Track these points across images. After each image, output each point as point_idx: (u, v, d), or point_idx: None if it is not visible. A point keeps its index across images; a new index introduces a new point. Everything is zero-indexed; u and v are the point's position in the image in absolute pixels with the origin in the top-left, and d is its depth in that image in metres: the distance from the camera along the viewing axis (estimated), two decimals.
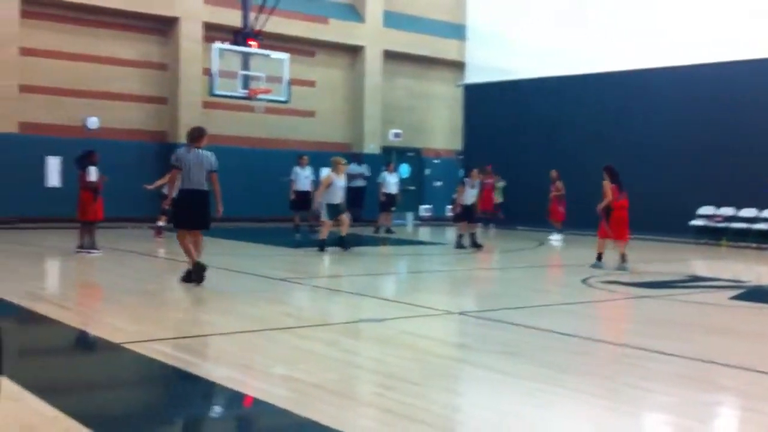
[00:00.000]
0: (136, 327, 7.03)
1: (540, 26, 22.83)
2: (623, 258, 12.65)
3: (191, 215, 9.73)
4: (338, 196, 14.56)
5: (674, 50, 19.60)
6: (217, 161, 9.84)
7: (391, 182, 20.23)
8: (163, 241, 15.74)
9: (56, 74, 19.71)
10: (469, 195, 16.04)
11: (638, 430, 4.69)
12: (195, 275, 9.54)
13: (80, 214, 13.23)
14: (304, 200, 18.95)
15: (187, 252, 9.69)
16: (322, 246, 14.21)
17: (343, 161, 15.17)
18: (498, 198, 22.79)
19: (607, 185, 12.65)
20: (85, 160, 13.22)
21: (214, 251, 14.65)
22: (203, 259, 9.75)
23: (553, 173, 19.68)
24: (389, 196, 20.16)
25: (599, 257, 12.83)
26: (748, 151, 18.35)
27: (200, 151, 9.72)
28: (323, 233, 14.43)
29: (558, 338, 6.99)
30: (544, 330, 7.29)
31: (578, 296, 9.90)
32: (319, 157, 21.82)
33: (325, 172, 22.07)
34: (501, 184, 22.76)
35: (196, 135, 9.81)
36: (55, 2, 19.43)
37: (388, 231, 19.91)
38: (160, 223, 16.41)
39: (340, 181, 14.68)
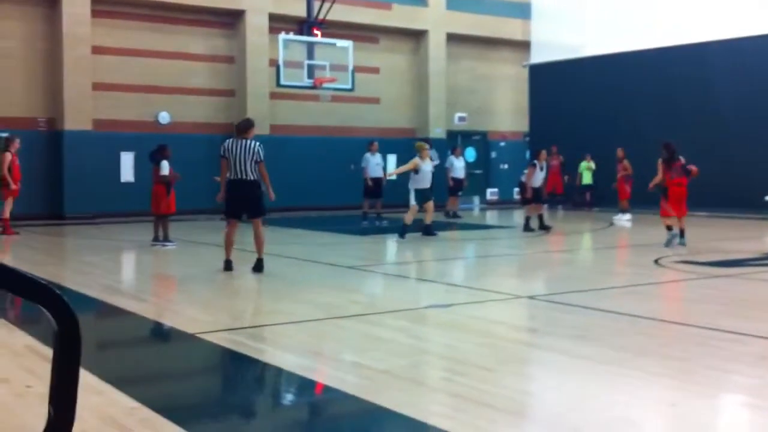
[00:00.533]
0: (209, 317, 7.18)
1: (605, 2, 22.38)
2: (682, 233, 12.52)
3: (238, 204, 10.00)
4: (427, 180, 14.61)
5: (741, 21, 18.99)
6: (264, 151, 10.01)
7: (458, 167, 20.20)
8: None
9: (127, 71, 20.17)
10: (538, 177, 15.88)
11: (716, 412, 4.59)
12: (256, 267, 9.85)
13: (154, 208, 13.55)
14: (377, 187, 19.13)
15: (228, 244, 10.04)
16: (403, 232, 14.13)
17: (427, 146, 15.21)
18: (588, 180, 22.15)
19: (660, 163, 12.59)
20: (157, 154, 13.53)
21: (285, 240, 14.87)
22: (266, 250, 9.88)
23: (620, 152, 19.33)
24: (457, 180, 20.14)
25: (669, 228, 12.62)
26: None
27: (247, 141, 9.89)
28: (409, 218, 14.34)
29: (630, 320, 6.88)
30: (615, 312, 7.19)
31: (650, 277, 9.72)
32: (386, 143, 21.87)
33: (393, 158, 22.34)
34: (591, 165, 21.99)
35: (244, 127, 10.04)
36: (123, 1, 19.87)
37: (455, 215, 19.88)
38: None
39: (427, 166, 14.72)
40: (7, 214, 15.12)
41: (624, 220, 18.63)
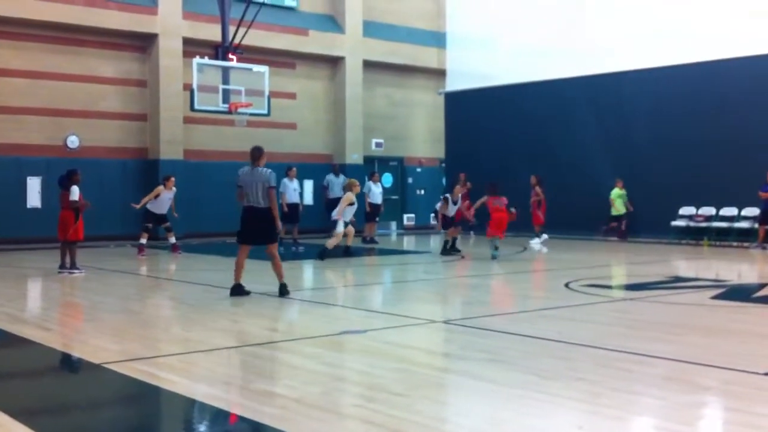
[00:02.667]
0: (117, 346, 6.98)
1: (519, 32, 22.95)
2: (495, 248, 15.52)
3: (252, 232, 10.07)
4: (352, 212, 16.11)
5: (650, 51, 19.75)
6: (275, 177, 10.06)
7: (376, 192, 20.34)
8: (146, 259, 15.66)
9: (34, 94, 19.59)
10: (452, 209, 16.66)
11: None
12: (281, 292, 10.06)
13: (61, 234, 13.14)
14: (293, 213, 19.20)
15: (238, 268, 10.11)
16: (323, 255, 15.10)
17: (357, 182, 16.51)
18: (619, 208, 20.26)
19: (486, 197, 15.78)
20: (67, 180, 13.15)
21: (199, 267, 14.62)
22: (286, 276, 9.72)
23: (533, 179, 19.80)
24: (374, 206, 20.27)
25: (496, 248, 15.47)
26: (727, 149, 18.48)
27: (260, 169, 9.98)
28: (333, 243, 15.39)
29: (541, 344, 6.99)
30: (527, 336, 7.30)
31: (560, 301, 9.91)
32: (303, 168, 21.83)
33: (309, 184, 22.42)
34: (622, 192, 20.23)
35: (255, 155, 10.09)
36: (32, 22, 19.32)
37: (372, 241, 19.95)
38: (143, 241, 16.33)
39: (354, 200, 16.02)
40: None
41: (535, 243, 19.15)
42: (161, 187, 16.37)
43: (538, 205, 19.70)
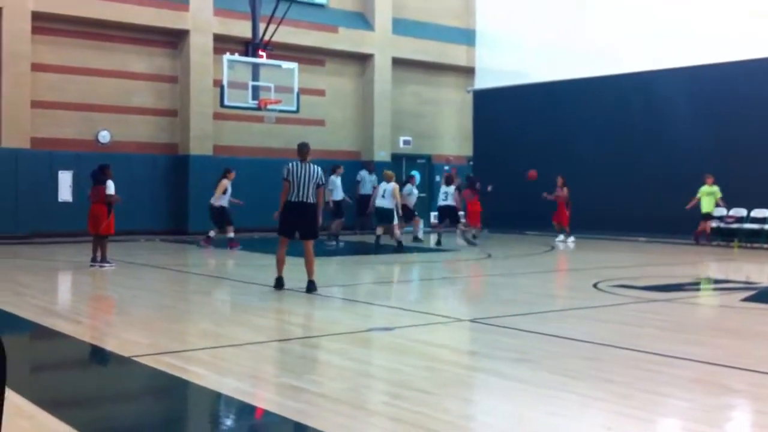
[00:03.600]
0: (147, 340, 7.05)
1: (549, 30, 22.82)
2: (474, 236, 18.13)
3: (294, 224, 10.23)
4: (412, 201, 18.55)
5: (683, 50, 19.54)
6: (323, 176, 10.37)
7: (414, 194, 20.01)
8: (206, 252, 15.78)
9: (67, 89, 19.83)
10: (412, 197, 19.00)
11: None
12: (309, 288, 10.07)
13: (92, 228, 13.27)
14: (339, 209, 19.99)
15: (279, 262, 10.31)
16: (401, 247, 16.87)
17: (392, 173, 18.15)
18: (708, 207, 18.41)
19: (466, 191, 18.55)
20: (101, 174, 13.29)
21: (227, 262, 14.72)
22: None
23: (559, 180, 19.73)
24: (407, 208, 20.06)
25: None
26: (759, 151, 18.26)
27: (310, 165, 10.17)
28: (399, 235, 17.16)
29: (569, 344, 6.97)
30: (555, 336, 7.27)
31: (589, 301, 9.86)
32: (330, 165, 21.86)
33: (337, 181, 22.57)
34: (713, 188, 18.37)
35: (304, 150, 10.32)
36: (66, 17, 19.56)
37: (417, 239, 19.78)
38: (231, 235, 17.09)
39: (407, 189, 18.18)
40: None
41: (562, 242, 19.18)
42: (226, 180, 17.00)
43: (567, 204, 19.64)
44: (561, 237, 19.72)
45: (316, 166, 10.17)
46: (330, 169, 19.67)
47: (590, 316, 8.68)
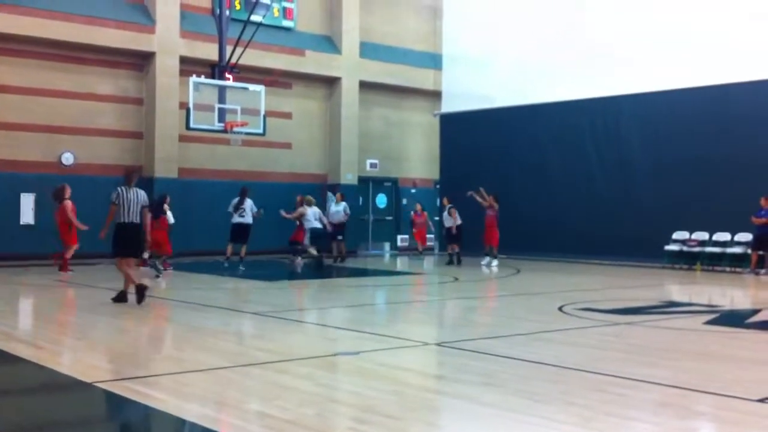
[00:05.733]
0: (110, 365, 6.94)
1: (515, 55, 23.05)
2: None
3: (127, 245, 11.00)
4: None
5: (646, 75, 19.85)
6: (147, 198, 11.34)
7: (339, 212, 21.02)
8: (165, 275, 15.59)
9: (29, 110, 19.60)
10: (447, 220, 18.98)
11: None
12: (138, 296, 10.69)
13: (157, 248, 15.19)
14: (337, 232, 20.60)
15: (128, 276, 11.00)
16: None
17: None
18: None
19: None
20: (160, 205, 15.57)
21: (190, 286, 14.57)
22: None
23: (490, 198, 19.93)
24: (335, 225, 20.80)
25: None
26: (721, 175, 18.55)
27: (136, 189, 11.12)
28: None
29: (536, 367, 6.97)
30: (522, 359, 7.28)
31: (555, 324, 9.90)
32: (296, 188, 21.81)
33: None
34: None
35: (131, 175, 11.38)
36: (30, 39, 19.37)
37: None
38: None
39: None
40: None
41: (493, 266, 19.26)
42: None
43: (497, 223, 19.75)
44: (487, 259, 19.68)
45: (141, 190, 11.16)
46: (329, 196, 21.31)
47: (556, 339, 8.71)
